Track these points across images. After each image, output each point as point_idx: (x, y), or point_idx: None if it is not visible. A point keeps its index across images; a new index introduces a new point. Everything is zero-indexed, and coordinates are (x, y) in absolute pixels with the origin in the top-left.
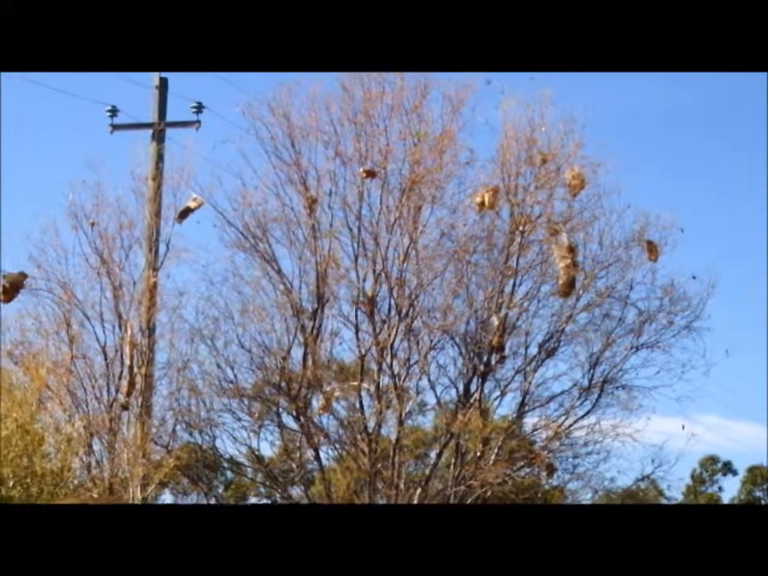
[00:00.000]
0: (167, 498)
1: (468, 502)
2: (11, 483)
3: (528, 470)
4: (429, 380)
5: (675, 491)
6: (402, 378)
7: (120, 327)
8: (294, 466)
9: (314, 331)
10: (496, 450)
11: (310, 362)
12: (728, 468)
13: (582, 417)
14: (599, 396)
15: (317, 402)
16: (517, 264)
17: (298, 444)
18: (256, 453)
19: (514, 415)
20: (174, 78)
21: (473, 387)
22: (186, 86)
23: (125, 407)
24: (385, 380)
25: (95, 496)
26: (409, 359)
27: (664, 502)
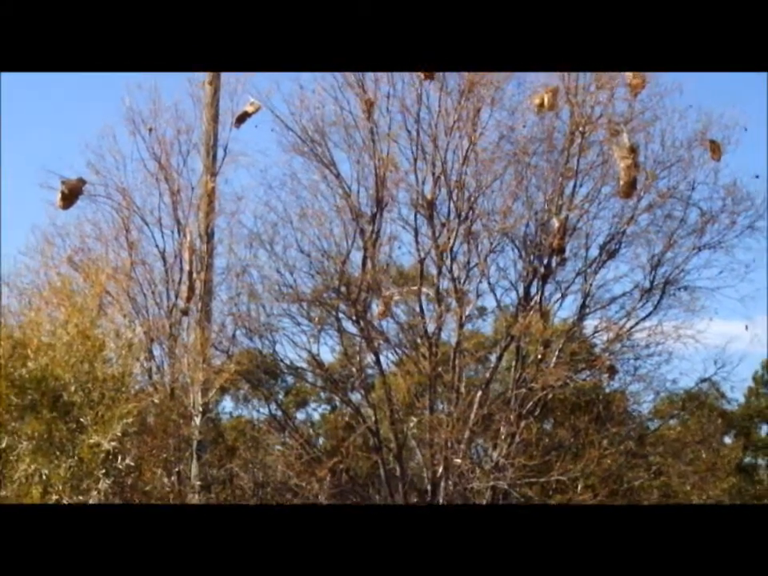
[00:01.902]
0: (227, 404)
1: (529, 404)
2: (73, 388)
3: (589, 372)
4: (489, 283)
5: (737, 393)
6: (462, 281)
7: (179, 233)
8: (354, 370)
9: (373, 235)
10: (557, 353)
11: (369, 266)
12: None
13: (644, 318)
14: (661, 297)
15: (376, 307)
16: (577, 165)
17: (357, 348)
18: (316, 358)
19: (575, 318)
20: None
21: (533, 290)
22: None
23: (184, 312)
24: (444, 283)
25: (156, 401)
26: (468, 262)
27: (725, 405)
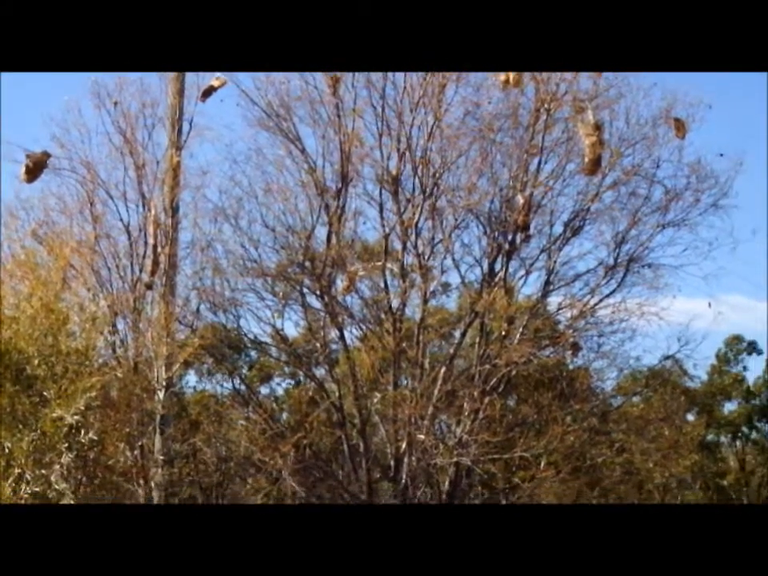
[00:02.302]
0: (191, 378)
1: (492, 381)
2: (36, 362)
3: (553, 349)
4: (453, 259)
5: (700, 370)
6: (427, 257)
7: (143, 206)
8: (319, 345)
9: (338, 210)
10: (521, 329)
11: (334, 241)
12: (753, 348)
13: (608, 296)
14: (625, 275)
15: (341, 282)
16: (542, 142)
17: (322, 324)
18: (280, 332)
19: (539, 294)
20: None
21: (497, 266)
22: None
23: (149, 286)
24: (409, 259)
25: (119, 375)
26: (433, 238)
27: (688, 382)
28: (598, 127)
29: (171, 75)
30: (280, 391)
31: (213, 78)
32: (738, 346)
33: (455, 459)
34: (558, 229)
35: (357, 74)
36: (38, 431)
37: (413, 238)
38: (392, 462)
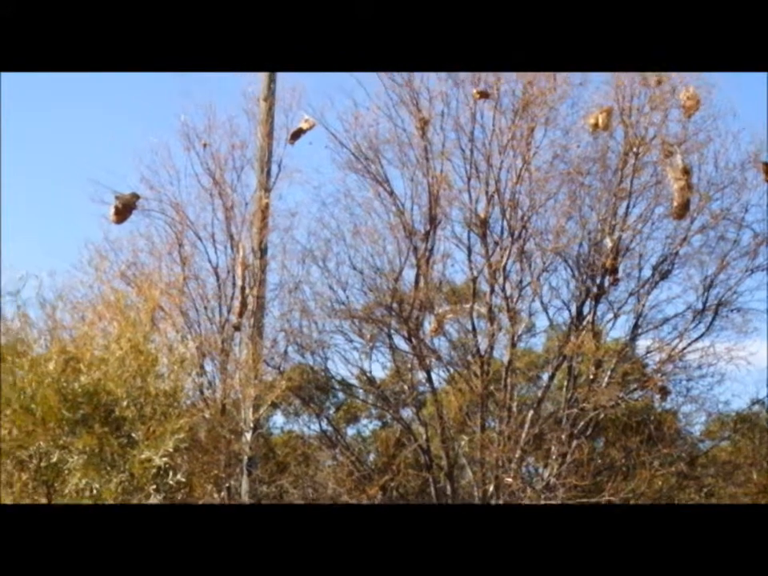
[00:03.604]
0: (278, 419)
1: (580, 424)
2: (125, 403)
3: (641, 392)
4: (541, 302)
5: None
6: (515, 299)
7: (232, 248)
8: (406, 387)
9: (426, 253)
10: (609, 373)
11: (421, 284)
12: None
13: (696, 340)
14: (713, 319)
15: (428, 324)
16: (630, 186)
17: (409, 366)
18: (367, 374)
19: (627, 338)
20: None
21: (585, 309)
22: None
23: (237, 328)
24: (497, 302)
25: (207, 417)
26: (521, 281)
27: None
28: (686, 171)
29: (261, 117)
30: (367, 433)
31: (302, 120)
32: None
33: (543, 503)
34: (647, 272)
35: (445, 116)
36: (127, 472)
37: (501, 280)
38: None
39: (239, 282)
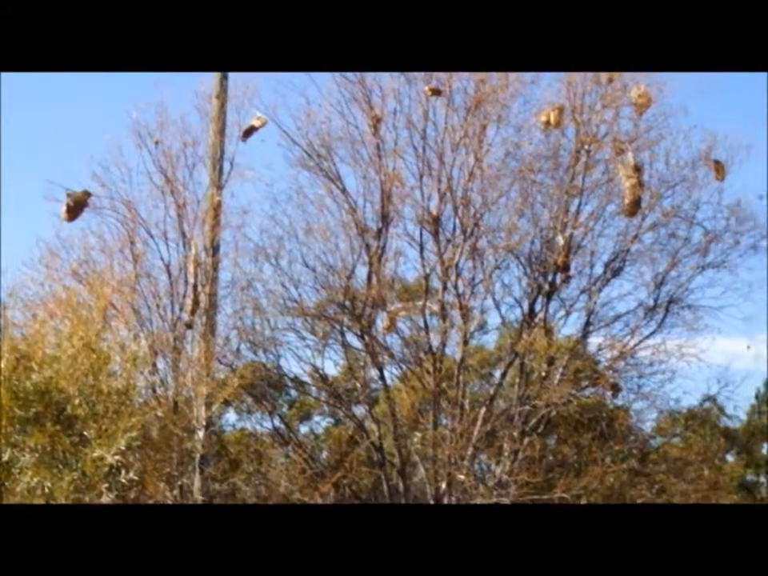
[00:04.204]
0: (231, 416)
1: (532, 421)
2: (77, 401)
3: (592, 389)
4: (493, 299)
5: (740, 411)
6: (467, 297)
7: (184, 246)
8: (358, 384)
9: (379, 250)
10: (561, 370)
11: (374, 281)
12: None
13: (647, 337)
14: (664, 316)
15: (381, 321)
16: (582, 183)
17: (362, 363)
18: (320, 372)
19: (579, 335)
20: None
21: (537, 307)
22: None
23: (189, 326)
24: (449, 299)
25: (160, 415)
26: (473, 278)
27: (727, 423)
28: (638, 169)
29: (213, 115)
30: (320, 430)
31: (254, 118)
32: None
33: (495, 500)
34: (598, 270)
35: (398, 114)
36: (79, 471)
37: (453, 277)
38: (431, 503)
39: (191, 280)
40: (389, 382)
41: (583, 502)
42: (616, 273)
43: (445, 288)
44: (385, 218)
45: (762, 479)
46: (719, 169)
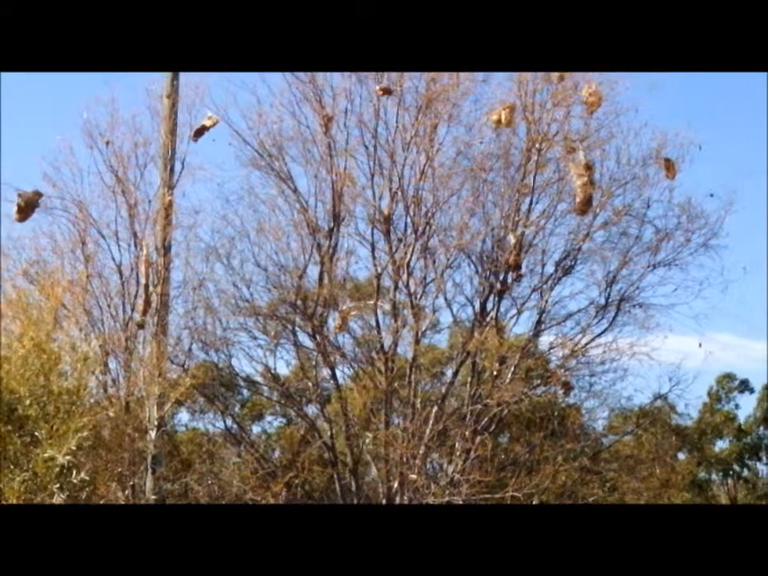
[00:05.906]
0: (183, 416)
1: (484, 420)
2: (28, 402)
3: (544, 388)
4: (445, 298)
5: (692, 409)
6: (418, 296)
7: (135, 246)
8: (310, 384)
9: (330, 250)
10: (512, 369)
11: (326, 281)
12: (745, 386)
13: (599, 335)
14: (616, 314)
15: (333, 321)
16: (533, 182)
17: (313, 362)
18: (272, 371)
19: (531, 333)
20: None
21: (489, 306)
22: None
23: (140, 326)
24: (401, 298)
25: (111, 415)
26: (425, 278)
27: (679, 421)
28: (588, 167)
29: (164, 114)
30: (272, 430)
31: (205, 118)
32: (730, 384)
33: (447, 499)
34: (550, 268)
35: (349, 113)
36: (30, 471)
37: (404, 277)
38: (384, 502)
39: (143, 280)
40: (341, 381)
41: (535, 500)
42: (567, 271)
43: (396, 287)
44: (336, 218)
45: (714, 477)
46: (670, 167)
